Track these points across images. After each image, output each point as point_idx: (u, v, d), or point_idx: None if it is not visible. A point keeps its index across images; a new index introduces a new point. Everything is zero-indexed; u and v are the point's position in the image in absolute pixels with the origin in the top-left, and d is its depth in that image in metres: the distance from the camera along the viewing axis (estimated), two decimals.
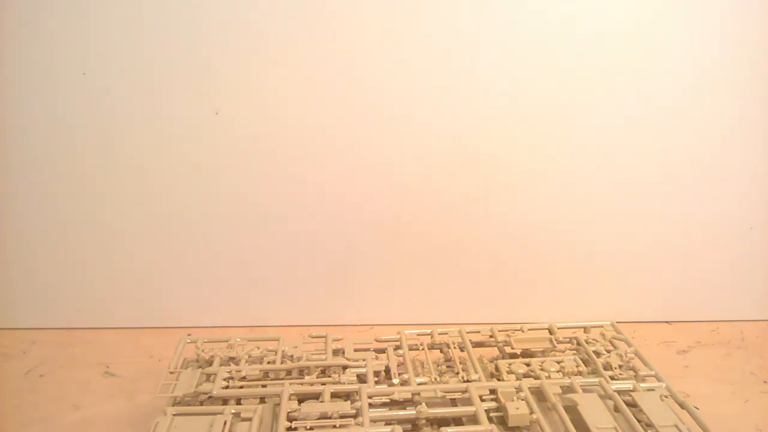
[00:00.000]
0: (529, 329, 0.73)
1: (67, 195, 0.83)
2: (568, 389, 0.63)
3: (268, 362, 0.67)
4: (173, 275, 0.87)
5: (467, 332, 0.73)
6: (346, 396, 0.62)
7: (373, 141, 0.82)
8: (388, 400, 0.62)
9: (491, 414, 0.59)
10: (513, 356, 0.71)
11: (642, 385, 0.64)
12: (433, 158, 0.83)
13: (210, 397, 0.62)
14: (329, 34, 0.78)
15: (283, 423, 0.57)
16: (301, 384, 0.64)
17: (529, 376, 0.66)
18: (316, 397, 0.62)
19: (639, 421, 0.57)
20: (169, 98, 0.80)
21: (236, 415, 0.59)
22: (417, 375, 0.66)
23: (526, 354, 0.71)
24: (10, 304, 0.87)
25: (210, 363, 0.67)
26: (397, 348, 0.71)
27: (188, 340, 0.71)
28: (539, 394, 0.63)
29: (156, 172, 0.83)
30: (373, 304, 0.89)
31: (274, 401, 0.62)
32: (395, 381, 0.65)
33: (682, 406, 0.61)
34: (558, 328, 0.73)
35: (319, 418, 0.58)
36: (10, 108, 0.80)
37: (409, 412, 0.59)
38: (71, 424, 0.68)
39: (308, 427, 0.57)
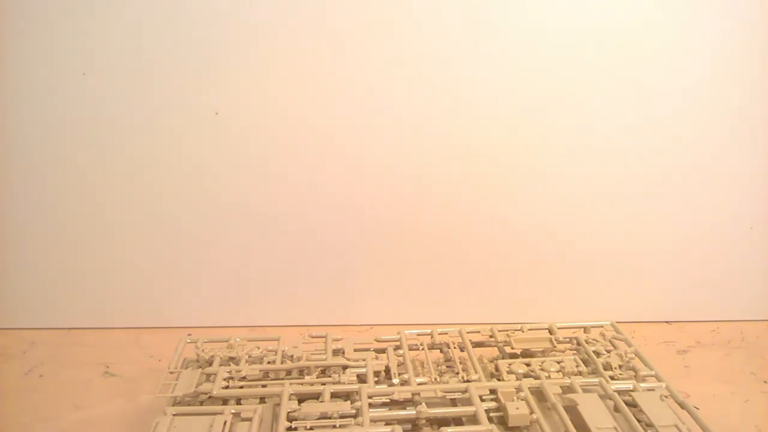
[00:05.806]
0: (529, 329, 0.73)
1: (67, 195, 0.83)
2: (568, 389, 0.63)
3: (268, 362, 0.67)
4: (173, 275, 0.87)
5: (467, 332, 0.73)
6: (346, 396, 0.62)
7: (373, 141, 0.82)
8: (388, 400, 0.62)
9: (491, 414, 0.59)
10: (513, 356, 0.71)
11: (642, 385, 0.64)
12: (434, 158, 0.83)
13: (210, 397, 0.62)
14: (329, 34, 0.78)
15: (283, 423, 0.57)
16: (301, 384, 0.64)
17: (529, 376, 0.66)
18: (316, 397, 0.62)
19: (639, 421, 0.57)
20: (169, 98, 0.80)
21: (236, 415, 0.59)
22: (417, 375, 0.66)
23: (526, 354, 0.71)
24: (10, 304, 0.87)
25: (210, 363, 0.67)
26: (397, 348, 0.71)
27: (188, 340, 0.71)
28: (539, 394, 0.62)
29: (156, 172, 0.83)
30: (373, 304, 0.89)
31: (274, 401, 0.62)
32: (395, 381, 0.65)
33: (682, 406, 0.61)
34: (558, 328, 0.73)
35: (319, 418, 0.58)
36: (10, 108, 0.80)
37: (409, 412, 0.59)
38: (71, 424, 0.68)
39: (308, 427, 0.57)
